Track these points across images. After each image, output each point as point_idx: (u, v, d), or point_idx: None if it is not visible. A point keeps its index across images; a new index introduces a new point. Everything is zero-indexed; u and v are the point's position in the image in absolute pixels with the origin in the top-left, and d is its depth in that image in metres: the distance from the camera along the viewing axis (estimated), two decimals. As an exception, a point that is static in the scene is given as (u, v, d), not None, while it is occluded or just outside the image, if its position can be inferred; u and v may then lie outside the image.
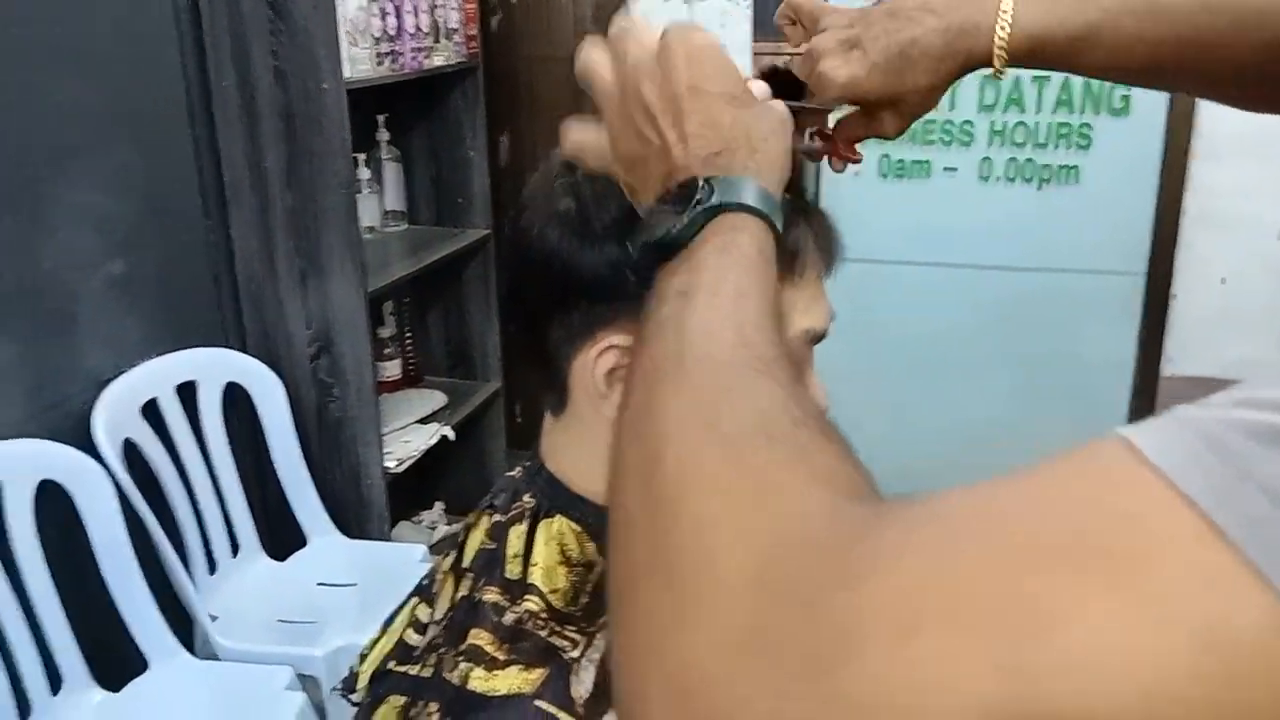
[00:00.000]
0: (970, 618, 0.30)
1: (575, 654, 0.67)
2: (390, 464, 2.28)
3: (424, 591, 0.83)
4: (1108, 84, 2.33)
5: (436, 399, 2.59)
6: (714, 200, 0.53)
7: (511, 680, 0.65)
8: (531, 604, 0.68)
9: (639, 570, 0.40)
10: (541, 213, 0.70)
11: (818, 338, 0.72)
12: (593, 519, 0.73)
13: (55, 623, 1.71)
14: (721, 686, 0.34)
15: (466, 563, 0.78)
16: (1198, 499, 0.29)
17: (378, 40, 2.17)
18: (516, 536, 0.73)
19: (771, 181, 0.56)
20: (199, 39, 2.01)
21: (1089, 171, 2.40)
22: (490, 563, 0.73)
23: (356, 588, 2.11)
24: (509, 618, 0.68)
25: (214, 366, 2.10)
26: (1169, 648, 0.28)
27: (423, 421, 2.49)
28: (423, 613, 0.81)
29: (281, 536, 2.20)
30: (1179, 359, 2.46)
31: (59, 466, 1.74)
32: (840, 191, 2.56)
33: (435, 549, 2.73)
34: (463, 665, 0.66)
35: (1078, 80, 2.34)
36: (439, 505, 2.88)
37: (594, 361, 0.68)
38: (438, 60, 2.39)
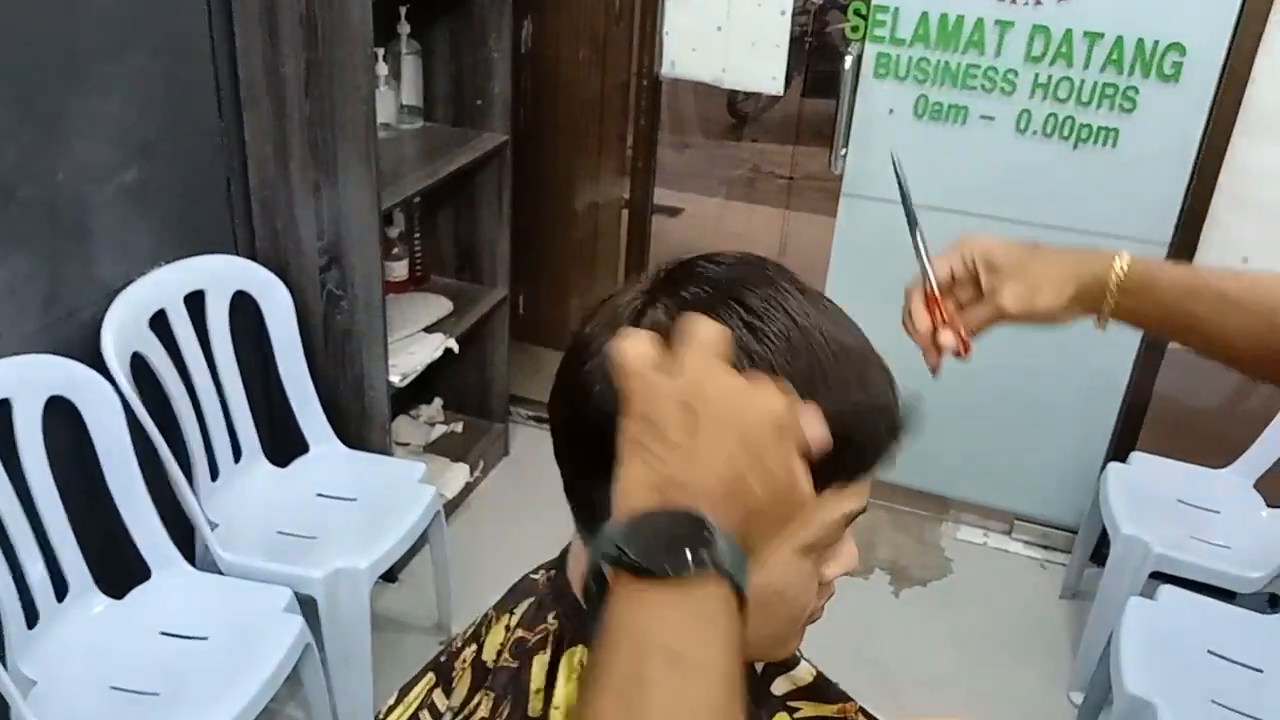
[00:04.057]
0: None
1: None
2: (394, 378, 2.28)
3: (441, 672, 0.84)
4: (1161, 47, 2.24)
5: (442, 305, 2.57)
6: (705, 561, 0.50)
7: None
8: None
9: None
10: (604, 368, 0.67)
11: (857, 515, 0.71)
12: None
13: (61, 533, 1.75)
14: None
15: (489, 662, 0.79)
16: None
17: (406, -55, 2.05)
18: (539, 668, 0.74)
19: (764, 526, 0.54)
20: (220, -59, 1.90)
21: (1128, 136, 2.33)
22: (512, 688, 0.75)
23: (356, 503, 2.14)
24: None
25: (223, 274, 2.07)
26: None
27: (428, 330, 2.48)
28: (439, 699, 0.83)
29: (284, 443, 2.23)
30: (1189, 333, 2.45)
31: (68, 382, 1.74)
32: (872, 128, 2.50)
33: (431, 448, 2.77)
34: None
35: (1130, 40, 2.25)
36: (438, 401, 2.90)
37: None
38: (467, -41, 2.27)
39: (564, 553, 0.80)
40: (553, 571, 0.81)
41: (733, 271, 0.69)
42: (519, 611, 0.80)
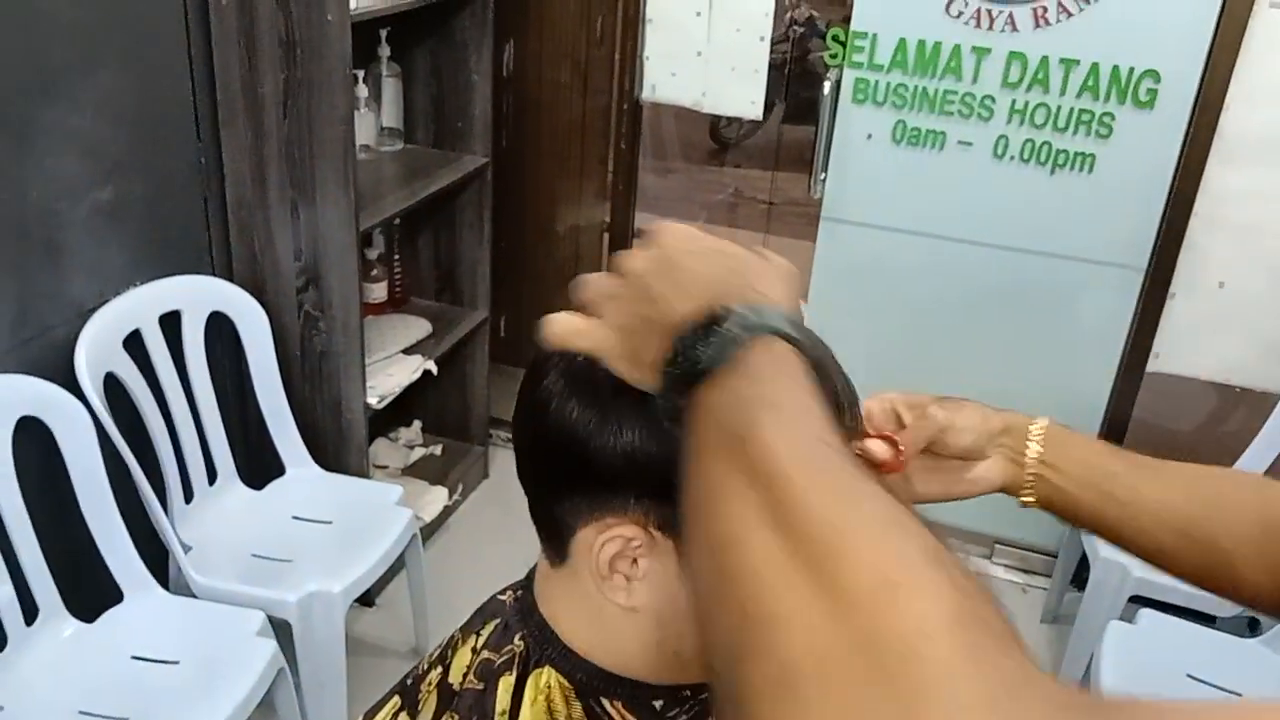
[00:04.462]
0: None
1: None
2: (372, 400, 2.27)
3: (407, 695, 0.83)
4: (1137, 74, 2.26)
5: (421, 327, 2.56)
6: (745, 325, 0.53)
7: None
8: None
9: (829, 666, 0.37)
10: (562, 382, 0.68)
11: None
12: (581, 675, 0.73)
13: (31, 555, 1.73)
14: None
15: (455, 685, 0.78)
16: None
17: (387, -32, 2.06)
18: (505, 690, 0.73)
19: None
20: (198, -41, 1.90)
21: (1104, 161, 2.35)
22: (477, 710, 0.73)
23: (332, 526, 2.12)
24: None
25: (199, 295, 2.06)
26: None
27: (406, 352, 2.47)
28: (405, 723, 0.82)
29: (259, 466, 2.21)
30: (1166, 357, 2.46)
31: (39, 402, 1.72)
32: (851, 153, 2.51)
33: (410, 471, 2.75)
34: None
35: (1106, 67, 2.27)
36: (417, 424, 2.88)
37: (599, 546, 0.67)
38: (448, -17, 2.27)
39: (531, 573, 0.79)
40: (520, 592, 0.80)
41: None
42: (485, 633, 0.79)
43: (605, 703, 0.73)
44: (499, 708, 0.72)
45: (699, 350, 0.53)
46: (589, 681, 0.73)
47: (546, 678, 0.73)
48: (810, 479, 0.44)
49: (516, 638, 0.76)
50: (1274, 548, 0.76)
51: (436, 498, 2.67)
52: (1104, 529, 0.83)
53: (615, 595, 0.68)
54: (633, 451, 0.64)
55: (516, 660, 0.74)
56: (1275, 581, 0.77)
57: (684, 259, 0.59)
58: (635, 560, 0.67)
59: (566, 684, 0.73)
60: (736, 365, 0.52)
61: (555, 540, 0.72)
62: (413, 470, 2.77)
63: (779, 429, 0.47)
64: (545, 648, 0.74)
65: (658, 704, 0.75)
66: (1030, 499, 0.85)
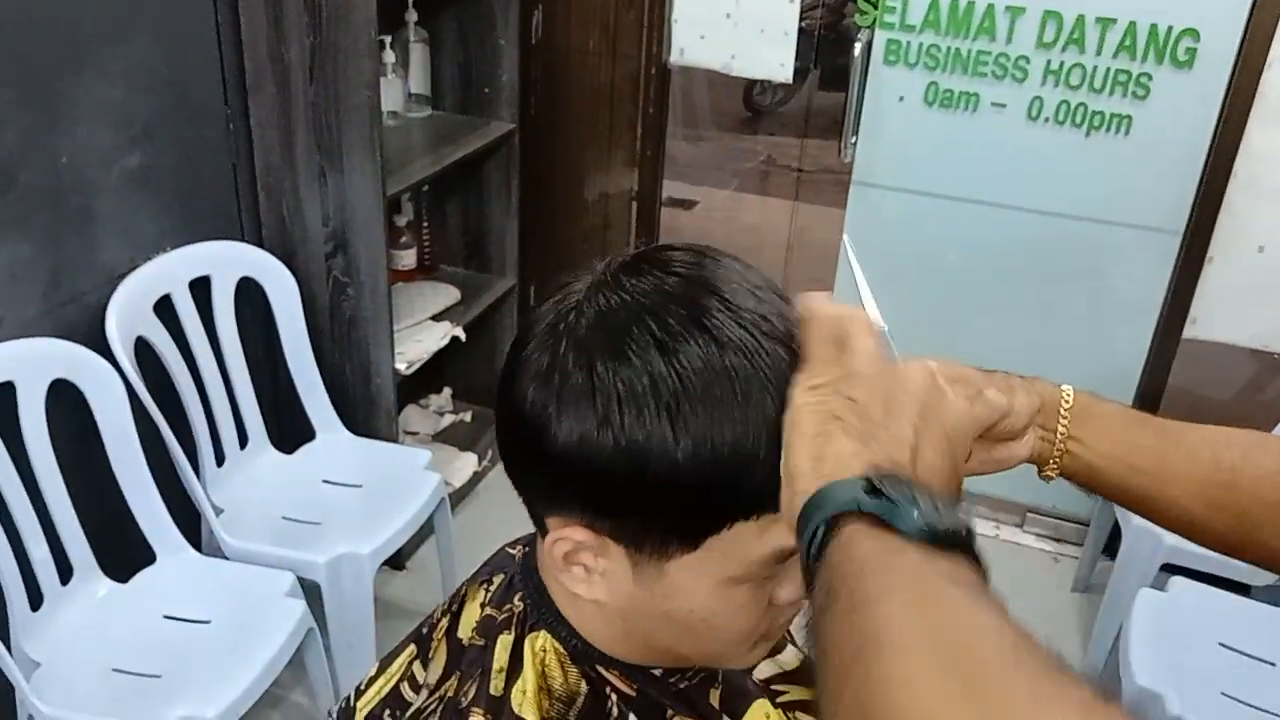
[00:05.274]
0: None
1: None
2: (400, 365, 2.28)
3: (422, 644, 0.84)
4: (1175, 33, 2.21)
5: (450, 294, 2.57)
6: (944, 525, 0.50)
7: None
8: None
9: None
10: (533, 356, 0.64)
11: (790, 554, 0.64)
12: (575, 641, 0.73)
13: (65, 516, 1.76)
14: None
15: (464, 640, 0.78)
16: None
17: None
18: (503, 648, 0.73)
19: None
20: (223, -76, 1.90)
21: (1141, 123, 2.30)
22: (478, 665, 0.74)
23: (361, 490, 2.14)
24: None
25: (228, 260, 2.08)
26: None
27: (435, 319, 2.48)
28: (419, 671, 0.82)
29: (290, 430, 2.23)
30: (1203, 322, 2.42)
31: (71, 366, 1.75)
32: (882, 116, 2.48)
33: (440, 437, 2.77)
34: None
35: (1143, 26, 2.22)
36: (447, 391, 2.90)
37: (550, 543, 0.66)
38: (473, -54, 2.26)
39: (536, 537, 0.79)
40: (526, 548, 0.80)
41: (668, 281, 0.64)
42: (492, 588, 0.79)
43: (602, 669, 0.73)
44: (496, 665, 0.73)
45: (898, 501, 0.51)
46: (584, 649, 0.73)
47: (542, 641, 0.73)
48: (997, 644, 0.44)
49: (516, 597, 0.76)
50: None
51: (466, 464, 2.69)
52: (1130, 501, 0.81)
53: (575, 587, 0.68)
54: (576, 452, 0.60)
55: (515, 620, 0.74)
56: None
57: (919, 435, 0.57)
58: (596, 555, 0.66)
59: (561, 650, 0.73)
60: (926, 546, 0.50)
61: (533, 517, 0.71)
62: (442, 436, 2.79)
63: (976, 601, 0.47)
64: (541, 611, 0.74)
65: (657, 671, 0.75)
66: (1053, 473, 0.83)
